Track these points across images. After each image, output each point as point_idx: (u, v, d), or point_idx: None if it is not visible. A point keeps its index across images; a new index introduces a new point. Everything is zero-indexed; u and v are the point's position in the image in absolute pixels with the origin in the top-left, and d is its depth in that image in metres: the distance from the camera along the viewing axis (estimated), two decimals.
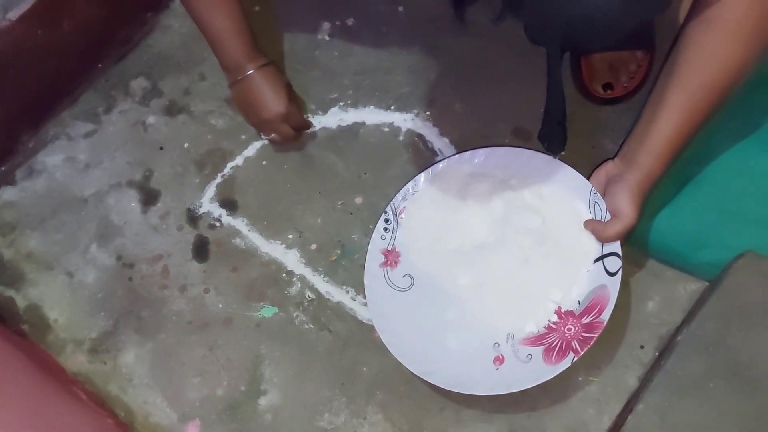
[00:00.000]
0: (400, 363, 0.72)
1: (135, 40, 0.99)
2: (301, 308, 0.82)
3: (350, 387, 0.77)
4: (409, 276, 0.78)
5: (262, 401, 0.78)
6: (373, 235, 0.80)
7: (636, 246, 0.79)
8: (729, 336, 0.68)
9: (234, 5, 0.79)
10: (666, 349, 0.73)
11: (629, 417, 0.67)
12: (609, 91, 0.85)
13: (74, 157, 0.92)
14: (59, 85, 0.94)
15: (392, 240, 0.79)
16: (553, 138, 0.76)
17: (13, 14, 0.82)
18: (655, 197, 0.76)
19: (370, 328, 0.80)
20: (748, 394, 0.65)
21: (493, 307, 0.74)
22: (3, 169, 0.92)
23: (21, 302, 0.84)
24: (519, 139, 0.87)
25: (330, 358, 0.79)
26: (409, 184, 0.81)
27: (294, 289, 0.83)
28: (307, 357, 0.79)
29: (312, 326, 0.81)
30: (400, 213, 0.80)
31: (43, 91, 0.92)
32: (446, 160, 0.81)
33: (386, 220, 0.80)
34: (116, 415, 0.77)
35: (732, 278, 0.70)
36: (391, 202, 0.80)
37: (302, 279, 0.83)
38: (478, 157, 0.80)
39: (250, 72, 0.81)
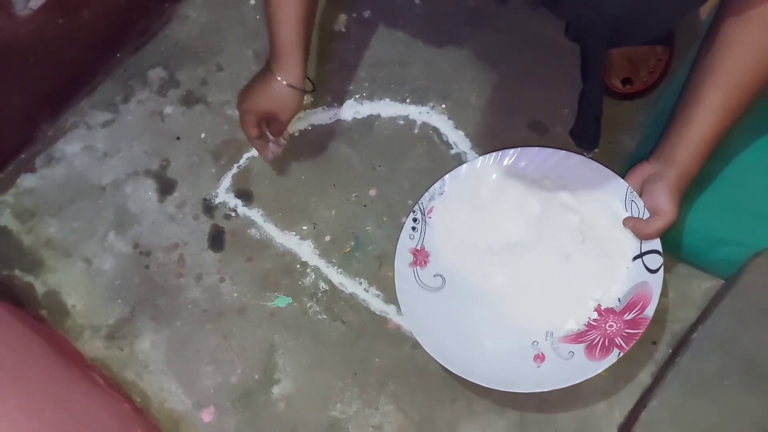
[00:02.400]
0: (412, 354, 0.72)
1: (153, 30, 0.99)
2: (314, 299, 0.82)
3: (362, 377, 0.78)
4: (440, 276, 0.77)
5: (276, 390, 0.78)
6: (401, 235, 0.79)
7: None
8: (744, 334, 0.67)
9: (305, 6, 0.74)
10: (680, 345, 0.73)
11: (642, 413, 0.67)
12: (628, 86, 0.84)
13: (92, 146, 0.93)
14: (78, 75, 0.95)
15: (421, 239, 0.79)
16: (587, 135, 0.76)
17: (35, 3, 0.82)
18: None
19: (382, 320, 0.80)
20: (763, 392, 0.65)
21: (531, 305, 0.73)
22: (23, 156, 0.93)
23: (40, 288, 0.86)
24: (535, 133, 0.87)
25: (343, 349, 0.80)
26: (437, 185, 0.81)
27: (308, 280, 0.83)
28: (320, 347, 0.80)
29: (325, 317, 0.81)
30: (428, 212, 0.80)
31: (62, 80, 0.93)
32: (476, 159, 0.81)
33: (414, 219, 0.80)
34: (132, 400, 0.79)
35: (749, 276, 0.70)
36: (419, 202, 0.80)
37: (316, 270, 0.84)
38: (509, 157, 0.79)
39: (279, 79, 0.76)
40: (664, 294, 0.77)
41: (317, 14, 0.96)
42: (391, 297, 0.80)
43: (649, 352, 0.75)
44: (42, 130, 0.94)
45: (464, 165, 0.81)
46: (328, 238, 0.85)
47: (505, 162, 0.80)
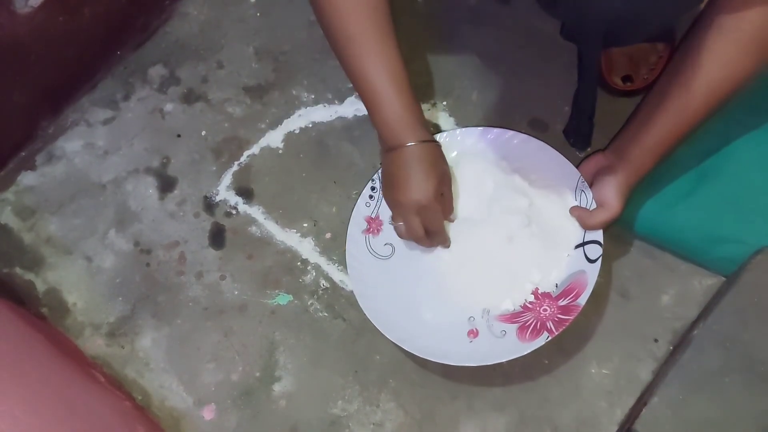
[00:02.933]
0: (412, 352, 0.72)
1: (153, 28, 0.99)
2: (315, 296, 0.82)
3: (363, 375, 0.78)
4: (390, 245, 0.78)
5: (277, 387, 0.78)
6: (358, 201, 0.80)
7: (652, 240, 0.79)
8: (746, 332, 0.68)
9: (394, 57, 0.64)
10: (681, 343, 0.73)
11: (643, 410, 0.67)
12: (628, 83, 0.84)
13: (93, 143, 0.93)
14: (78, 72, 0.95)
15: (377, 208, 0.80)
16: (580, 135, 0.76)
17: (35, 1, 0.82)
18: (672, 191, 0.76)
19: None
20: (764, 389, 0.65)
21: (472, 282, 0.74)
22: (23, 154, 0.93)
23: (40, 286, 0.86)
24: (535, 130, 0.86)
25: (343, 346, 0.80)
26: None
27: (309, 278, 0.83)
28: (321, 344, 0.80)
29: (326, 314, 0.81)
30: None
31: (62, 78, 0.93)
32: (439, 134, 0.81)
33: (372, 188, 0.81)
34: (133, 398, 0.79)
35: (750, 274, 0.70)
36: (379, 171, 0.80)
37: (317, 268, 0.84)
38: (472, 135, 0.80)
39: (408, 144, 0.65)
40: (665, 291, 0.78)
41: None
42: None
43: (650, 349, 0.75)
44: (42, 127, 0.94)
45: None
46: (328, 235, 0.85)
47: (468, 139, 0.80)
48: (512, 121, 0.87)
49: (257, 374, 0.79)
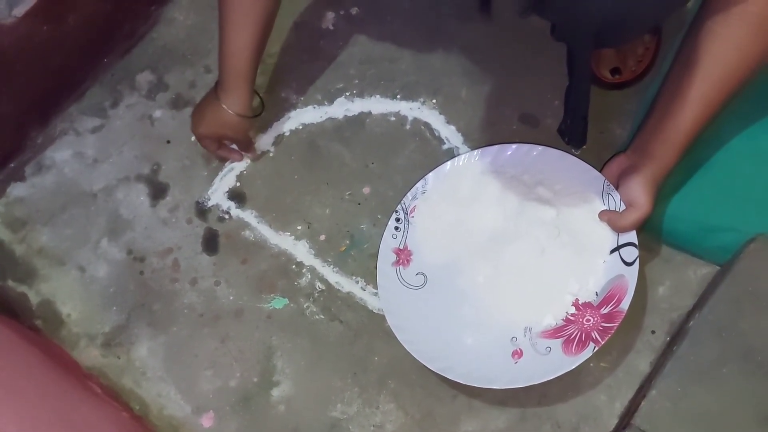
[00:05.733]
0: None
1: (139, 34, 0.99)
2: (311, 299, 0.82)
3: (362, 376, 0.78)
4: (422, 274, 0.77)
5: (275, 392, 0.78)
6: (384, 234, 0.79)
7: (647, 231, 0.79)
8: (741, 320, 0.68)
9: (259, 44, 0.77)
10: (678, 334, 0.73)
11: (642, 403, 0.67)
12: (617, 76, 0.84)
13: (82, 152, 0.93)
14: (65, 81, 0.94)
15: (404, 239, 0.79)
16: (575, 133, 0.76)
17: (19, 11, 0.82)
18: (666, 182, 0.76)
19: (380, 318, 0.80)
20: (762, 378, 0.65)
21: (509, 301, 0.73)
22: (12, 165, 0.92)
23: (34, 298, 0.85)
24: (526, 125, 0.86)
25: (341, 348, 0.79)
26: (419, 183, 0.81)
27: (304, 280, 0.83)
28: (318, 347, 0.80)
29: (323, 317, 0.81)
30: (411, 212, 0.80)
31: (49, 87, 0.92)
32: (457, 158, 0.81)
33: (397, 219, 0.80)
34: (131, 408, 0.78)
35: (744, 262, 0.70)
36: (402, 201, 0.80)
37: (312, 270, 0.84)
38: (489, 154, 0.80)
39: (224, 106, 0.80)
40: (660, 282, 0.78)
41: (305, 11, 0.96)
42: None
43: (648, 341, 0.75)
44: (31, 137, 0.93)
45: (448, 162, 0.81)
46: (323, 237, 0.85)
47: (487, 158, 0.80)
48: (502, 116, 0.87)
49: (255, 380, 0.79)
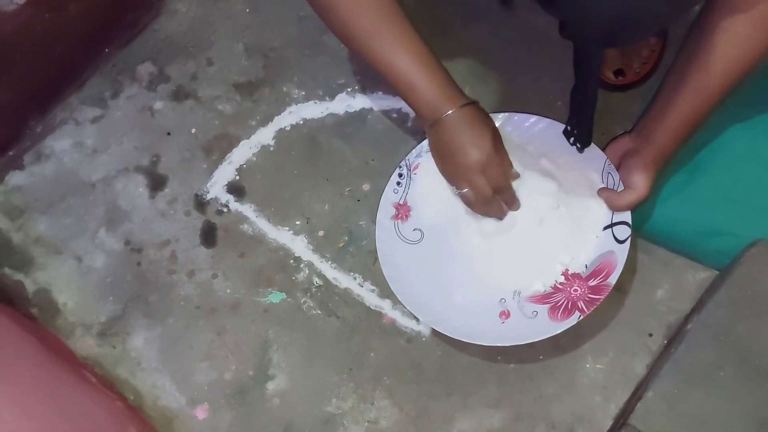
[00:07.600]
0: (407, 348, 0.72)
1: (141, 25, 0.98)
2: (308, 294, 0.82)
3: (358, 372, 0.78)
4: (419, 230, 0.78)
5: (270, 386, 0.78)
6: (386, 189, 0.80)
7: (646, 234, 0.79)
8: (739, 325, 0.68)
9: (415, 40, 0.66)
10: (675, 337, 0.73)
11: (638, 404, 0.67)
12: (620, 78, 0.84)
13: (82, 142, 0.92)
14: (66, 70, 0.94)
15: (404, 194, 0.80)
16: (581, 133, 0.76)
17: None
18: (666, 184, 0.76)
19: (377, 314, 0.80)
20: (758, 382, 0.65)
21: (501, 264, 0.74)
22: (11, 153, 0.92)
23: (30, 286, 0.85)
24: None
25: (338, 344, 0.79)
26: (425, 142, 0.80)
27: (302, 275, 0.83)
28: (314, 342, 0.80)
29: (320, 312, 0.81)
30: (414, 168, 0.80)
31: (50, 76, 0.92)
32: None
33: (400, 175, 0.80)
34: (125, 398, 0.78)
35: (743, 267, 0.70)
36: (406, 158, 0.80)
37: (310, 265, 0.83)
38: (496, 120, 0.79)
39: (449, 112, 0.65)
40: (659, 285, 0.78)
41: (307, 6, 0.96)
42: (386, 292, 0.80)
43: (645, 344, 0.75)
44: (30, 126, 0.93)
45: None
46: (321, 232, 0.85)
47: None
48: None
49: (250, 373, 0.79)
